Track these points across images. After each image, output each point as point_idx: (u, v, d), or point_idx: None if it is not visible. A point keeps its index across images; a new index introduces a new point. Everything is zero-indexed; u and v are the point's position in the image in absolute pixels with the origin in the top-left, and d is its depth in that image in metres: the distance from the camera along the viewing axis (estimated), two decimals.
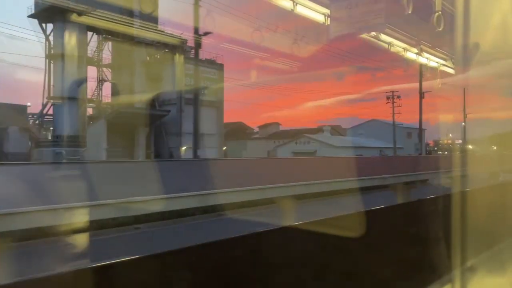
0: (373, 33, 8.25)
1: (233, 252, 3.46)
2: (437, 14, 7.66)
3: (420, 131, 44.59)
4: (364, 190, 17.36)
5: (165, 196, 9.15)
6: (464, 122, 54.88)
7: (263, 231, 3.78)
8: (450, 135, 67.62)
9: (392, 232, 4.98)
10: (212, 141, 43.69)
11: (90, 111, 40.76)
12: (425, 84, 50.54)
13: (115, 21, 36.78)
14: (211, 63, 44.47)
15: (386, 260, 4.68)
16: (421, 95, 42.18)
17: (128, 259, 2.87)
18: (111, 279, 2.73)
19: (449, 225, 5.01)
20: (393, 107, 48.42)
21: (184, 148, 40.76)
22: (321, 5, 7.51)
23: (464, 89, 49.00)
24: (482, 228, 5.40)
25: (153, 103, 40.97)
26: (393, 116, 47.61)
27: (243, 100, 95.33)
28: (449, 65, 10.97)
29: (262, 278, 3.53)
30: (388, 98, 49.36)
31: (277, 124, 68.74)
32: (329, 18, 7.56)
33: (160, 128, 41.75)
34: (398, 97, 48.37)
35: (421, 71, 40.77)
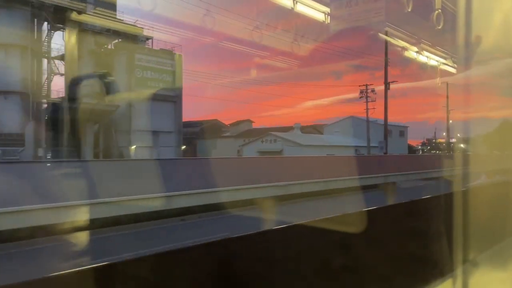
0: (372, 32, 8.54)
1: (236, 251, 3.61)
2: (436, 12, 8.06)
3: (385, 127, 42.70)
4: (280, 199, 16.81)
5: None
6: (448, 120, 57.02)
7: (265, 230, 3.97)
8: (444, 133, 70.57)
9: (394, 230, 5.26)
10: (169, 140, 42.47)
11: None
12: (426, 82, 52.22)
13: (64, 8, 35.44)
14: (167, 53, 43.40)
15: (389, 257, 4.95)
16: (386, 85, 41.45)
17: (130, 259, 2.97)
18: (114, 279, 2.82)
19: (451, 223, 5.34)
20: (367, 102, 48.01)
21: (133, 147, 39.80)
22: (321, 3, 7.70)
23: (447, 83, 51.16)
24: (484, 226, 5.78)
25: (102, 97, 39.45)
26: (366, 112, 47.45)
27: (236, 99, 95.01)
28: (448, 64, 11.47)
29: (264, 275, 3.68)
30: (361, 92, 48.58)
31: (249, 121, 68.23)
32: (329, 16, 7.77)
33: (109, 125, 40.27)
34: (373, 91, 47.82)
35: (387, 60, 40.12)
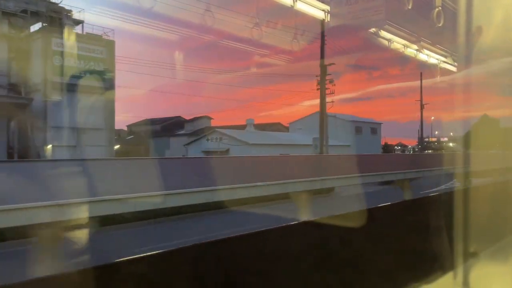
0: (372, 30, 8.64)
1: (236, 249, 3.71)
2: (437, 9, 8.15)
3: (322, 124, 35.49)
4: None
5: None
6: (421, 119, 56.12)
7: (266, 229, 4.07)
8: (436, 132, 70.59)
9: (396, 229, 5.37)
10: (98, 138, 37.44)
11: None
12: (424, 81, 51.64)
13: None
14: (95, 39, 38.25)
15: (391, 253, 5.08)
16: (324, 69, 35.11)
17: (130, 259, 3.05)
18: (114, 278, 2.90)
19: (452, 220, 5.46)
20: (325, 93, 42.97)
21: (49, 146, 34.95)
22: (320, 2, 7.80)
23: (420, 76, 50.78)
24: (484, 224, 5.90)
25: (17, 89, 35.17)
26: (323, 105, 39.82)
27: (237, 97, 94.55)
28: (448, 62, 11.55)
29: (265, 271, 3.79)
30: (319, 84, 41.08)
31: (208, 118, 62.76)
32: (329, 14, 7.86)
33: (25, 121, 35.33)
34: (331, 82, 43.08)
35: (323, 46, 34.10)
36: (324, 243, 4.60)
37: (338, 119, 53.81)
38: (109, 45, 38.87)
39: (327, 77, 41.39)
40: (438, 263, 5.76)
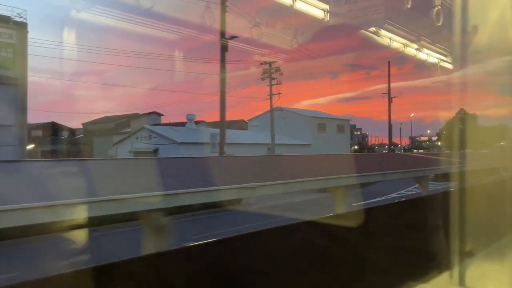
0: (372, 29, 8.65)
1: (235, 249, 3.75)
2: (436, 9, 8.20)
3: (222, 123, 27.40)
4: None
5: None
6: (389, 120, 53.03)
7: (266, 229, 4.12)
8: (429, 131, 71.01)
9: (394, 228, 5.44)
10: (4, 136, 32.82)
11: None
12: (421, 81, 51.06)
13: None
14: (1, 20, 33.23)
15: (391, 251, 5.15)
16: (225, 44, 25.55)
17: (130, 258, 3.07)
18: (114, 278, 2.93)
19: (449, 220, 5.55)
20: (271, 85, 38.47)
21: None
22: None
23: (388, 65, 49.81)
24: (480, 224, 5.99)
25: None
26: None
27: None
28: (447, 61, 11.59)
29: (263, 270, 3.83)
30: (265, 73, 38.16)
31: (158, 114, 58.17)
32: (328, 14, 7.88)
33: None
34: (277, 70, 37.88)
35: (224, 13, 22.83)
36: (322, 243, 4.69)
37: (294, 114, 50.44)
38: (20, 28, 33.56)
39: (274, 65, 37.31)
40: (434, 263, 5.91)
